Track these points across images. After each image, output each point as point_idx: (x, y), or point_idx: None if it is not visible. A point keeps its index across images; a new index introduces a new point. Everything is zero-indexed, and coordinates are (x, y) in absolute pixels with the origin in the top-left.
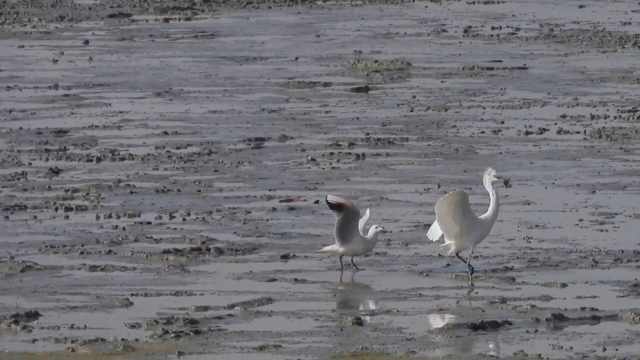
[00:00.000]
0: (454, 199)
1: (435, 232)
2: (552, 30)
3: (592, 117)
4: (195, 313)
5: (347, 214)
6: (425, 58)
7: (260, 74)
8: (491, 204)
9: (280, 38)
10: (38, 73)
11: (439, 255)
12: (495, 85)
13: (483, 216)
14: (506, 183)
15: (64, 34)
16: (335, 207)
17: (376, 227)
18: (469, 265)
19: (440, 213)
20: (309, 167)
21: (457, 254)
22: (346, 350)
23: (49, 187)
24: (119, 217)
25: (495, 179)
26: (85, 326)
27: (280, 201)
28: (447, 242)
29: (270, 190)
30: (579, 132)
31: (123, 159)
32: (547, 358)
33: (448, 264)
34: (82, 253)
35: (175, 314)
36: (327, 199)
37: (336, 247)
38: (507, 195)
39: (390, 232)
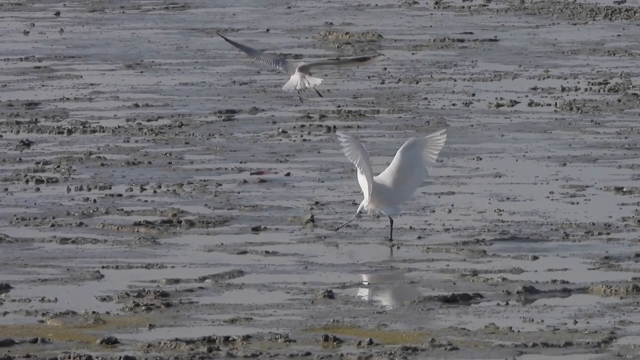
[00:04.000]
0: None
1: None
2: (523, 2)
3: (563, 89)
4: (166, 286)
5: None
6: (397, 30)
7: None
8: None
9: (251, 10)
10: (9, 45)
11: (410, 227)
12: (467, 58)
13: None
14: None
15: (35, 6)
16: None
17: None
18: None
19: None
20: (280, 140)
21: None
22: (317, 324)
23: (20, 159)
24: (89, 189)
25: None
26: (56, 299)
27: (251, 174)
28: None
29: (241, 162)
30: (550, 105)
31: (94, 131)
32: (518, 331)
33: (419, 237)
34: (53, 225)
35: (147, 286)
36: None
37: None
38: (478, 168)
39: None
